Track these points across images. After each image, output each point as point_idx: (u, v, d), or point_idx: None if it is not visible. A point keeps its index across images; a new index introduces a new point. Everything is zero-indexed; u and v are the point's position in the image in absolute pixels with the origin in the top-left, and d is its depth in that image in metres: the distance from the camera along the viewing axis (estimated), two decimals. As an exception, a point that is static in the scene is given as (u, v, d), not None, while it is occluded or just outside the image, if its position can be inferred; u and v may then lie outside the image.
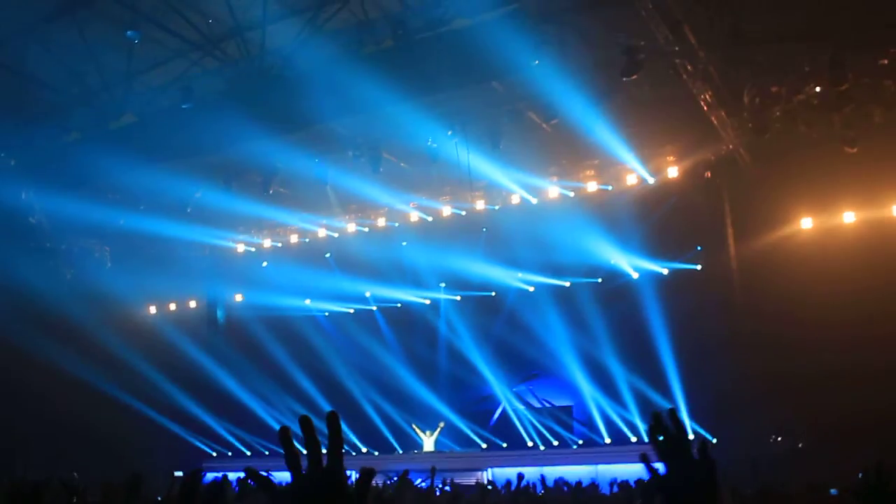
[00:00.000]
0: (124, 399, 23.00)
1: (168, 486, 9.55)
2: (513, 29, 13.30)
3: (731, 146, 18.99)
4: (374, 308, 26.44)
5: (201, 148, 17.57)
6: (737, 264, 20.13)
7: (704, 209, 20.73)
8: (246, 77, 15.54)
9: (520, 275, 23.59)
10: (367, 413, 24.27)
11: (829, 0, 14.25)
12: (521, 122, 18.15)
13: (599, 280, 22.77)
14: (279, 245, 25.60)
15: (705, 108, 16.95)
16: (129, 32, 14.63)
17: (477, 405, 24.58)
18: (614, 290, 22.07)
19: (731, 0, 14.14)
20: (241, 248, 25.80)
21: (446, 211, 22.82)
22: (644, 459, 2.16)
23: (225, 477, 14.25)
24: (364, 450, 24.69)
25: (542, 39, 13.96)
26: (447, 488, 15.30)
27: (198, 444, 25.76)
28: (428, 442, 23.70)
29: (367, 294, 26.07)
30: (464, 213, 22.77)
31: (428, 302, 25.62)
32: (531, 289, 23.86)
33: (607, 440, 22.01)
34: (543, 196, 21.75)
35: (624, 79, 15.09)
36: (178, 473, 21.47)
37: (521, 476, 13.74)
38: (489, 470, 21.91)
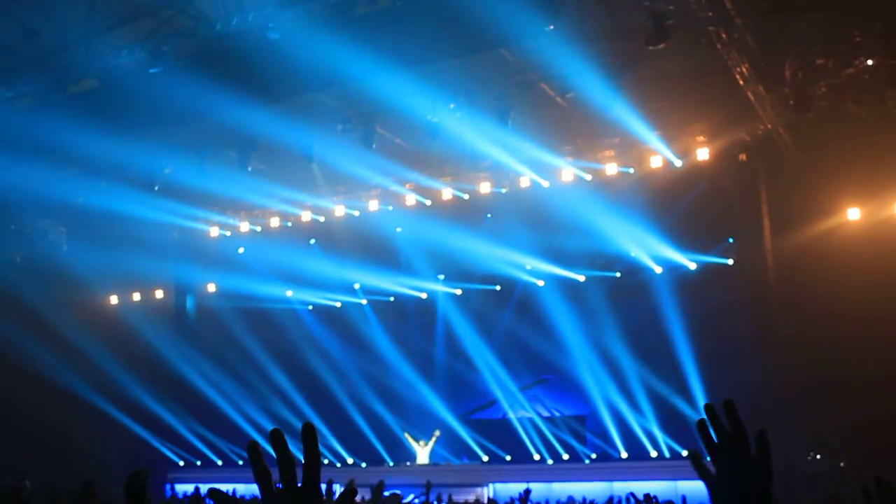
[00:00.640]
0: (81, 399, 22.97)
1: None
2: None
3: (769, 126, 18.85)
4: (364, 301, 26.35)
5: (171, 118, 17.44)
6: (773, 259, 19.99)
7: (738, 197, 20.60)
8: (222, 39, 15.40)
9: (528, 267, 23.47)
10: (355, 419, 24.21)
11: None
12: (532, 95, 18.00)
13: (618, 274, 22.67)
14: (258, 229, 25.44)
15: (741, 82, 16.80)
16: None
17: (478, 412, 24.51)
18: (634, 285, 21.97)
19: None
20: (214, 231, 25.59)
21: (447, 194, 22.66)
22: (695, 458, 2.14)
23: (197, 491, 14.21)
24: (350, 461, 24.63)
25: (557, 2, 13.82)
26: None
27: (164, 450, 25.72)
28: (422, 453, 23.63)
29: (356, 286, 25.97)
30: (466, 196, 22.62)
31: (424, 296, 25.51)
32: (541, 283, 23.75)
33: (623, 454, 21.95)
34: (556, 178, 21.55)
35: (650, 48, 14.96)
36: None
37: (528, 491, 13.70)
38: (490, 486, 21.85)
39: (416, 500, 14.50)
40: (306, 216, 24.49)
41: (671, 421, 20.94)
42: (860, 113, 17.01)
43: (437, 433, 23.77)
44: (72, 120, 16.58)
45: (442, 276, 24.85)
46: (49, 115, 16.88)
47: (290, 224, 25.03)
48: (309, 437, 1.64)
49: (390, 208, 23.73)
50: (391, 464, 23.97)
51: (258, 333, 25.16)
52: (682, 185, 20.53)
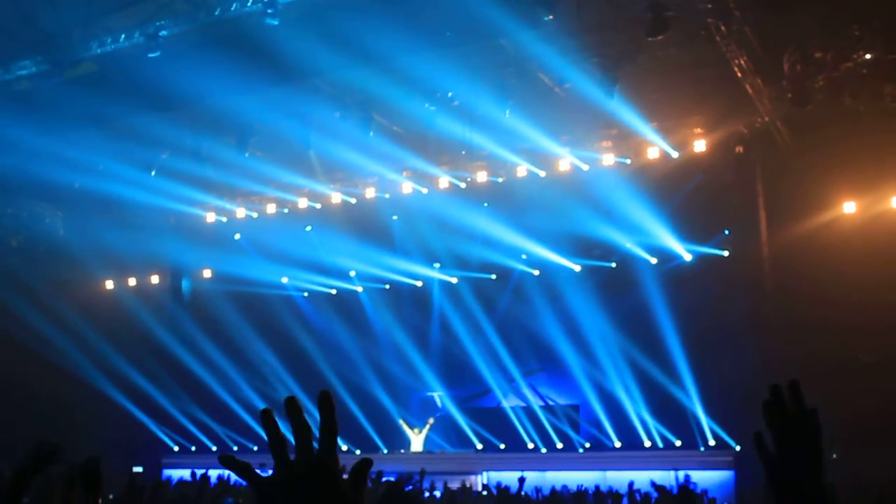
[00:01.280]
0: (76, 383, 23.00)
1: (126, 483, 9.53)
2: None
3: (766, 118, 18.86)
4: (360, 289, 26.37)
5: (169, 103, 17.44)
6: (769, 252, 20.03)
7: (734, 189, 20.61)
8: (221, 24, 15.40)
9: (524, 256, 23.52)
10: (349, 406, 24.23)
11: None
12: (530, 85, 18.01)
13: (613, 265, 22.72)
14: (254, 215, 25.35)
15: (739, 74, 16.83)
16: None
17: (473, 400, 24.59)
18: (629, 276, 22.00)
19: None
20: (211, 217, 25.52)
21: (444, 182, 22.63)
22: (758, 439, 2.14)
23: (204, 475, 14.26)
24: (344, 448, 24.63)
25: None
26: (436, 493, 15.32)
27: (160, 434, 25.77)
28: (416, 440, 23.69)
29: (352, 273, 25.98)
30: (463, 185, 22.60)
31: (420, 284, 25.54)
32: (536, 272, 23.79)
33: (617, 443, 22.04)
34: (553, 168, 21.54)
35: (649, 39, 14.98)
36: (138, 469, 21.64)
37: (522, 479, 13.80)
38: (484, 473, 21.91)
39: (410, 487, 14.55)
40: (303, 203, 24.43)
41: (665, 410, 21.03)
42: (858, 107, 17.05)
43: (431, 421, 23.84)
44: (68, 104, 16.58)
45: (438, 265, 24.86)
46: (45, 100, 16.88)
47: (286, 210, 24.95)
48: (326, 404, 1.61)
49: (387, 196, 23.69)
50: (385, 451, 24.04)
51: (253, 319, 25.17)
52: (678, 176, 20.56)
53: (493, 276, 24.31)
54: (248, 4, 15.08)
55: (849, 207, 19.36)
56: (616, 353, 21.45)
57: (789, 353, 17.75)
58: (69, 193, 21.91)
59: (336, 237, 24.19)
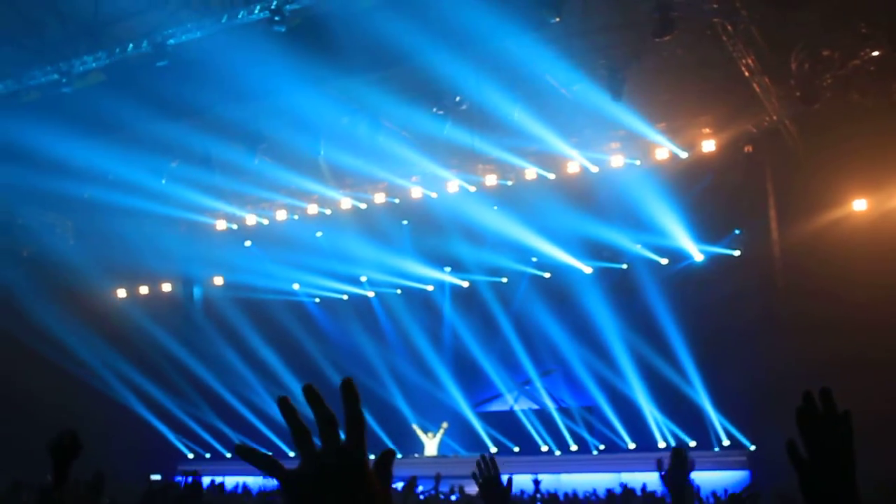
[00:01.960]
0: (89, 391, 23.08)
1: (145, 491, 9.56)
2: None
3: (775, 117, 18.84)
4: (371, 294, 26.40)
5: (178, 112, 17.48)
6: (780, 250, 20.00)
7: (744, 188, 20.57)
8: (229, 31, 15.43)
9: (534, 259, 23.52)
10: (363, 411, 24.22)
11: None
12: (538, 87, 18.01)
13: (624, 266, 22.72)
14: (264, 222, 25.37)
15: (747, 73, 16.81)
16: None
17: (485, 404, 24.59)
18: (641, 277, 21.99)
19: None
20: (221, 224, 25.57)
21: (453, 186, 22.61)
22: (791, 446, 2.19)
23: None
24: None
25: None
26: (454, 496, 15.30)
27: (175, 442, 25.87)
28: (430, 445, 23.72)
29: (363, 278, 26.01)
30: (473, 188, 22.58)
31: (431, 288, 25.57)
32: (547, 275, 23.80)
33: (631, 445, 22.02)
34: (562, 171, 21.51)
35: (656, 40, 14.97)
36: (156, 477, 21.68)
37: (537, 482, 13.78)
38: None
39: (428, 492, 14.60)
40: (313, 209, 24.42)
41: (678, 411, 21.01)
42: (866, 104, 16.98)
43: (445, 425, 23.85)
44: (76, 114, 16.65)
45: (448, 269, 24.87)
46: (53, 109, 16.94)
47: (296, 217, 24.95)
48: (350, 392, 1.55)
49: (397, 201, 23.69)
50: (399, 455, 23.97)
51: (265, 326, 25.23)
52: (688, 177, 20.52)
53: (504, 280, 24.32)
54: (256, 12, 15.12)
55: (859, 205, 19.29)
56: (628, 354, 21.45)
57: (801, 352, 17.72)
58: (80, 203, 21.96)
59: (346, 243, 24.21)
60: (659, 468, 4.88)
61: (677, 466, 4.71)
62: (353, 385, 1.55)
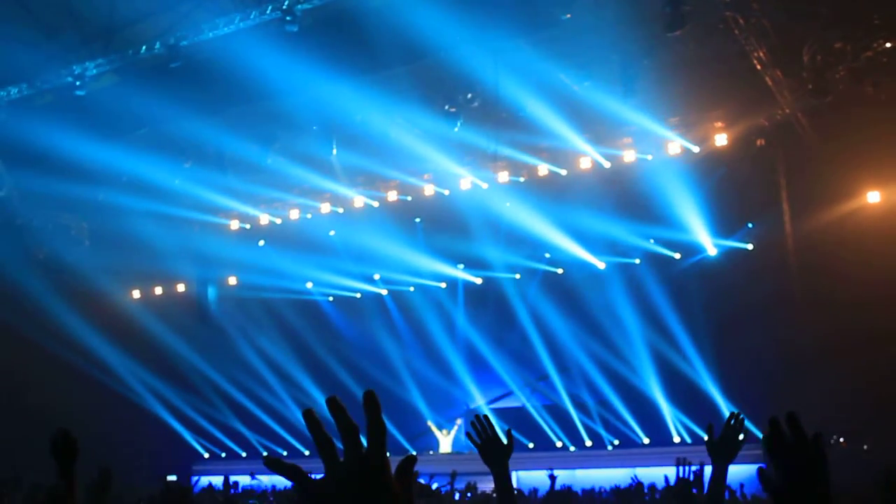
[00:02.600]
0: (105, 392, 23.15)
1: (161, 490, 9.57)
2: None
3: (787, 111, 18.76)
4: (384, 292, 26.42)
5: (191, 113, 17.53)
6: (793, 243, 19.93)
7: (757, 182, 20.51)
8: (239, 33, 15.48)
9: (547, 255, 23.52)
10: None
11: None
12: (549, 83, 17.98)
13: (637, 261, 22.69)
14: (277, 221, 25.42)
15: (759, 67, 16.76)
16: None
17: (500, 400, 24.59)
18: (654, 272, 21.98)
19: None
20: (234, 224, 25.63)
21: (465, 183, 22.60)
22: (764, 477, 2.21)
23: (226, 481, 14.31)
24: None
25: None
26: (469, 494, 15.28)
27: (191, 441, 25.96)
28: (444, 442, 23.73)
29: (376, 276, 26.04)
30: (485, 185, 22.56)
31: (444, 285, 25.57)
32: (560, 271, 23.80)
33: (645, 440, 22.00)
34: (574, 167, 21.49)
35: (668, 34, 14.94)
36: (172, 477, 21.76)
37: (553, 477, 13.75)
38: (514, 473, 21.82)
39: (442, 489, 14.59)
40: (326, 208, 24.49)
41: (692, 405, 20.96)
42: (879, 96, 16.90)
43: (459, 422, 23.85)
44: (90, 116, 16.70)
45: (461, 266, 24.87)
46: (67, 112, 17.00)
47: (309, 216, 24.98)
48: (371, 403, 1.61)
49: (409, 199, 23.71)
50: (414, 453, 24.01)
51: (279, 325, 25.29)
52: (700, 171, 20.46)
53: (517, 276, 24.30)
54: (268, 12, 15.15)
55: (873, 197, 19.20)
56: (642, 349, 21.42)
57: (816, 346, 17.69)
58: (94, 205, 22.03)
59: (359, 241, 24.23)
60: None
61: (730, 433, 4.53)
62: (374, 396, 1.61)
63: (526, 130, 19.54)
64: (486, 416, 4.15)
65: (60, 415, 20.61)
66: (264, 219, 25.25)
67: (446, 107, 18.65)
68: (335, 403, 1.61)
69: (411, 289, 25.81)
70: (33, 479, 11.89)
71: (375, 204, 23.99)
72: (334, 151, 20.64)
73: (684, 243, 21.63)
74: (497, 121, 19.11)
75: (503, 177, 22.24)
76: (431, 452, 23.67)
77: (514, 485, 15.84)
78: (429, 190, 23.07)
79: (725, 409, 20.35)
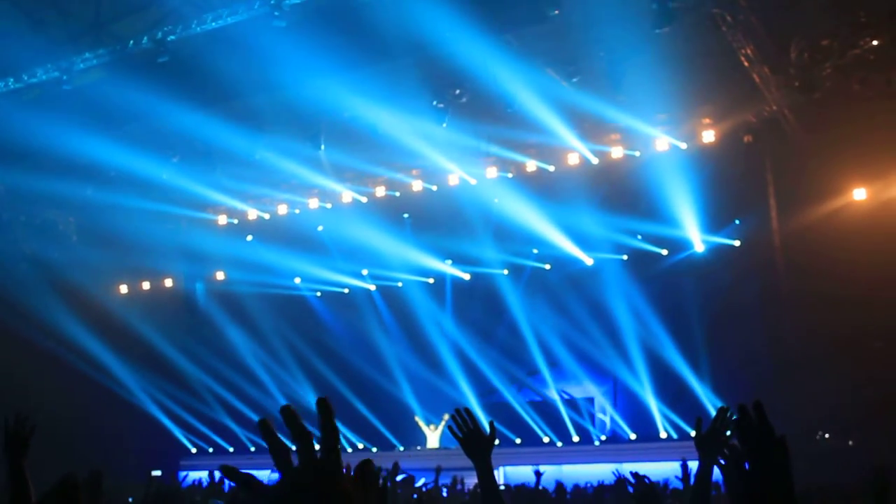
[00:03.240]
0: (92, 387, 23.09)
1: (146, 486, 9.54)
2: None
3: (774, 107, 18.79)
4: (373, 287, 26.39)
5: (178, 108, 17.45)
6: (780, 240, 19.98)
7: (744, 178, 20.54)
8: (226, 29, 15.41)
9: (535, 251, 23.53)
10: (364, 404, 24.32)
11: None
12: (537, 79, 17.95)
13: (624, 257, 22.71)
14: (265, 217, 25.35)
15: (746, 63, 16.77)
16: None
17: (488, 395, 24.59)
18: (641, 268, 22.01)
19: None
20: (222, 219, 25.58)
21: (453, 179, 22.59)
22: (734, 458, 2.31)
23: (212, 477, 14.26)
24: (360, 446, 24.75)
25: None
26: (459, 487, 15.26)
27: (179, 436, 25.89)
28: (432, 437, 23.73)
29: (364, 272, 26.00)
30: (473, 181, 22.54)
31: (432, 281, 25.55)
32: (547, 266, 23.81)
33: (632, 436, 22.03)
34: (562, 164, 21.51)
35: (656, 31, 14.93)
36: (157, 473, 21.70)
37: (538, 474, 13.73)
38: (501, 468, 21.92)
39: (428, 484, 14.57)
40: (314, 203, 24.43)
41: (680, 400, 21.00)
42: (866, 93, 16.94)
43: (447, 417, 23.83)
44: (78, 112, 16.63)
45: (449, 262, 24.85)
46: (54, 108, 16.92)
47: (297, 212, 24.94)
48: (325, 410, 1.61)
49: (397, 195, 23.67)
50: (401, 448, 24.07)
51: (267, 320, 25.24)
52: (687, 167, 20.46)
53: (505, 272, 24.30)
54: (255, 7, 15.09)
55: (859, 194, 19.26)
56: (629, 344, 21.44)
57: (803, 342, 17.75)
58: (81, 200, 21.92)
59: (347, 236, 24.18)
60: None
61: (718, 428, 4.45)
62: (327, 402, 1.62)
63: (514, 126, 19.49)
64: (467, 410, 4.10)
65: (47, 409, 20.58)
66: (252, 214, 25.20)
67: (434, 102, 18.60)
68: (288, 412, 1.62)
69: (399, 284, 25.78)
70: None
71: (364, 199, 23.94)
72: (322, 148, 20.54)
73: (672, 240, 21.66)
74: (485, 117, 19.07)
75: (491, 173, 22.22)
76: (419, 448, 23.66)
77: (502, 480, 15.95)
78: (417, 185, 23.06)
79: (712, 404, 20.40)
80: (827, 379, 17.24)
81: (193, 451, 26.22)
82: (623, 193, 20.69)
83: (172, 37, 15.93)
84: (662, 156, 20.51)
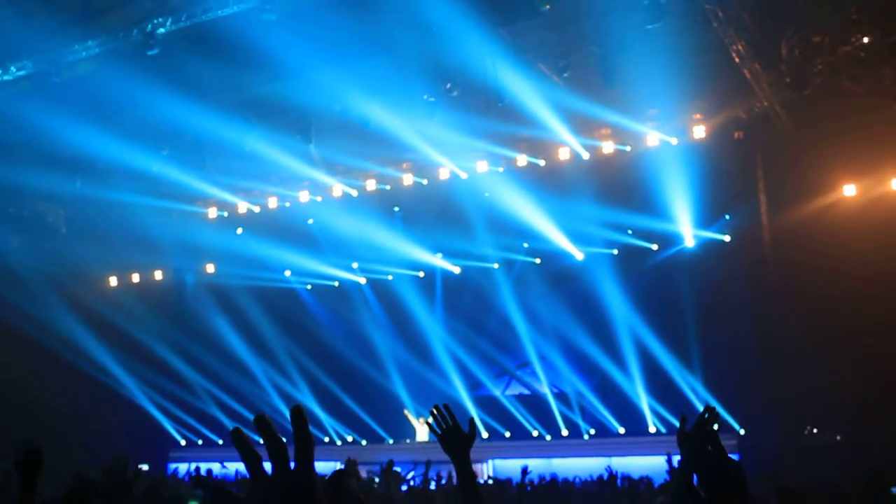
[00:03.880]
0: (81, 379, 23.04)
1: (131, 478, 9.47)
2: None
3: (765, 103, 18.79)
4: (363, 280, 26.35)
5: (168, 100, 17.38)
6: (770, 236, 19.98)
7: (734, 174, 20.55)
8: (217, 22, 15.33)
9: (525, 245, 23.52)
10: (353, 397, 24.32)
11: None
12: (528, 75, 17.91)
13: (614, 251, 22.69)
14: (256, 210, 25.29)
15: (737, 59, 16.76)
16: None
17: (477, 389, 24.59)
18: (631, 263, 22.02)
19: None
20: (212, 212, 25.49)
21: (444, 173, 22.56)
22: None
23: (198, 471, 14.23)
24: (350, 439, 24.75)
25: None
26: (444, 482, 15.24)
27: (168, 428, 25.87)
28: (421, 430, 23.70)
29: (355, 265, 25.95)
30: (464, 175, 22.52)
31: (422, 274, 25.52)
32: (537, 261, 23.80)
33: (621, 430, 22.05)
34: (553, 157, 21.51)
35: (647, 26, 14.90)
36: (144, 467, 21.65)
37: (525, 470, 13.72)
38: (490, 462, 21.94)
39: (417, 478, 14.55)
40: (304, 196, 24.40)
41: (669, 395, 21.00)
42: (857, 90, 16.96)
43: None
44: (66, 104, 16.55)
45: (440, 255, 24.82)
46: (43, 100, 16.83)
47: (287, 205, 24.89)
48: (298, 419, 1.61)
49: (388, 188, 23.64)
50: (391, 441, 24.07)
51: (257, 313, 25.17)
52: (678, 162, 20.45)
53: (496, 265, 24.28)
54: (246, 1, 15.01)
55: (849, 190, 19.27)
56: (618, 339, 21.44)
57: (791, 338, 17.77)
58: (71, 191, 21.83)
59: (338, 229, 24.12)
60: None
61: (702, 425, 4.24)
62: (301, 412, 1.62)
63: (504, 121, 19.45)
64: (446, 406, 4.03)
65: (35, 400, 20.55)
66: (242, 207, 25.13)
67: (425, 96, 18.56)
68: (262, 421, 1.63)
69: (390, 277, 25.74)
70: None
71: (354, 193, 23.91)
72: (312, 142, 20.47)
73: (662, 234, 21.65)
74: (475, 111, 19.04)
75: (482, 167, 22.22)
76: (408, 441, 23.65)
77: (491, 473, 15.93)
78: (408, 179, 23.02)
79: (699, 400, 20.44)
80: (817, 374, 17.26)
81: (183, 443, 26.18)
82: (614, 188, 20.64)
83: (162, 29, 15.85)
84: (653, 151, 20.54)
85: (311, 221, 25.08)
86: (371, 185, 23.65)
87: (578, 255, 22.94)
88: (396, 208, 24.08)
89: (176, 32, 15.83)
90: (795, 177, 19.19)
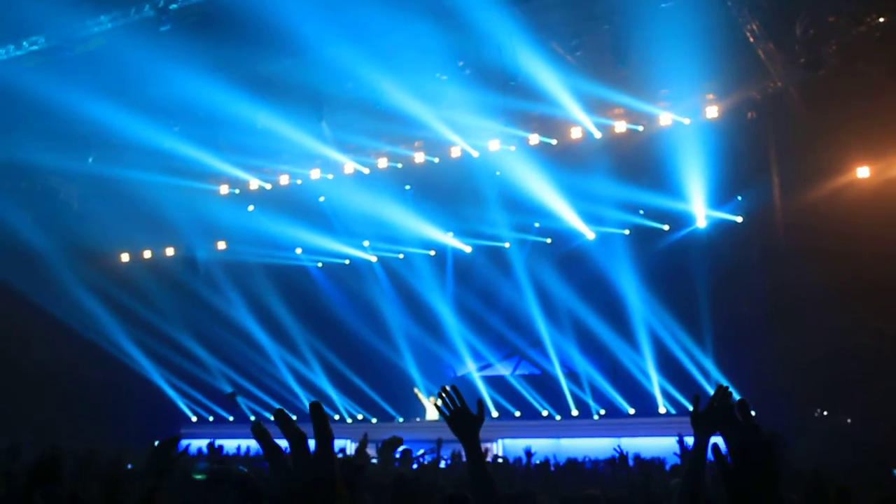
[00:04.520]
0: (94, 353, 23.18)
1: (147, 453, 9.56)
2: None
3: (779, 84, 18.71)
4: (374, 258, 26.39)
5: (181, 76, 17.38)
6: (782, 217, 19.92)
7: (747, 155, 20.46)
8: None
9: (537, 224, 23.52)
10: (364, 375, 24.42)
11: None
12: (541, 53, 17.86)
13: (626, 231, 22.68)
14: (267, 187, 25.32)
15: (751, 39, 16.68)
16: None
17: (488, 367, 24.66)
18: (643, 243, 22.00)
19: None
20: (224, 189, 25.55)
21: (455, 151, 22.51)
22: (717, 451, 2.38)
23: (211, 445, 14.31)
24: (360, 417, 24.86)
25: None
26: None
27: (180, 404, 26.03)
28: (431, 409, 23.78)
29: (366, 243, 25.99)
30: (476, 153, 22.48)
31: (433, 253, 25.55)
32: (548, 240, 23.80)
33: (630, 410, 22.08)
34: (565, 137, 21.46)
35: (662, 5, 14.85)
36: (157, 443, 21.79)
37: (529, 452, 13.77)
38: (500, 441, 22.02)
39: (429, 456, 14.58)
40: (316, 174, 24.41)
41: (679, 376, 21.01)
42: (871, 71, 16.86)
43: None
44: (79, 80, 16.58)
45: (451, 233, 24.83)
46: (56, 76, 16.86)
47: (299, 182, 24.90)
48: (318, 414, 1.66)
49: (399, 166, 23.63)
50: (401, 420, 24.17)
51: (268, 291, 25.25)
52: (690, 143, 20.39)
53: (507, 245, 24.29)
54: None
55: (862, 172, 19.17)
56: (629, 319, 21.45)
57: (803, 320, 17.73)
58: (83, 168, 21.90)
59: (349, 207, 24.14)
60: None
61: (716, 405, 4.25)
62: (320, 407, 1.69)
63: (517, 99, 19.40)
64: (454, 387, 4.03)
65: (47, 373, 20.70)
66: (254, 184, 25.14)
67: (437, 74, 18.54)
68: (282, 416, 1.66)
69: (401, 256, 25.78)
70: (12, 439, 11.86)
71: (366, 170, 23.89)
72: (324, 120, 20.48)
73: (674, 215, 21.62)
74: (488, 89, 18.99)
75: (494, 145, 22.16)
76: (418, 420, 23.74)
77: (500, 452, 15.99)
78: (419, 157, 22.99)
79: (712, 379, 20.46)
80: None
81: (194, 419, 26.34)
82: (626, 168, 20.59)
83: (175, 5, 15.87)
84: (666, 131, 20.47)
85: (322, 199, 25.07)
86: (383, 162, 23.62)
87: (590, 235, 22.94)
88: (408, 186, 24.08)
89: (188, 8, 15.84)
90: (809, 158, 19.08)
